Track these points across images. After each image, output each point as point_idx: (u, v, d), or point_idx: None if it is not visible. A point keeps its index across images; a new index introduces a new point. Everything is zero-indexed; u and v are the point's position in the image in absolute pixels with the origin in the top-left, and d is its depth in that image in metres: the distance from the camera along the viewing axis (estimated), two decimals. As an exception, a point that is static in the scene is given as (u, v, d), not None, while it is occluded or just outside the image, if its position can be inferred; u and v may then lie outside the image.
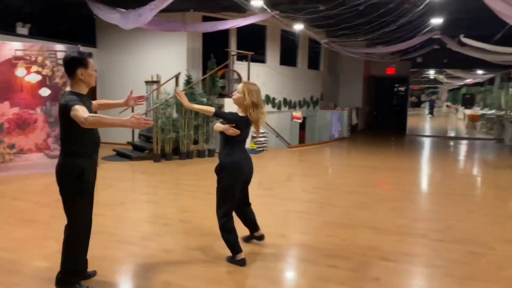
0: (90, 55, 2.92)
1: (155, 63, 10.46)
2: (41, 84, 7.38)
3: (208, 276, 3.41)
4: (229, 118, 3.53)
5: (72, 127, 2.74)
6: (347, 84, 16.98)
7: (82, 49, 7.88)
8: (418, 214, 5.46)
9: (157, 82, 10.41)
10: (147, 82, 10.43)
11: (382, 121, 20.79)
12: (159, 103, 9.17)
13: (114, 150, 9.85)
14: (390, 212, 5.41)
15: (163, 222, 4.81)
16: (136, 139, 10.20)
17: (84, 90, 2.92)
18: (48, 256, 3.75)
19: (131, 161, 8.97)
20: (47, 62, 7.42)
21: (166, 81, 9.98)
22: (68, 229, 2.98)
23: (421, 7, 6.70)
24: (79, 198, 2.93)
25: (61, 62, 7.51)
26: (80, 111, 2.64)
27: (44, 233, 4.40)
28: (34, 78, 7.31)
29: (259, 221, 4.29)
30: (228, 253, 3.66)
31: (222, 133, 3.54)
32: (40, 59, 7.31)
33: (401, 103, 20.95)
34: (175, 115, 9.43)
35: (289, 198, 6.14)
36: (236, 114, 3.57)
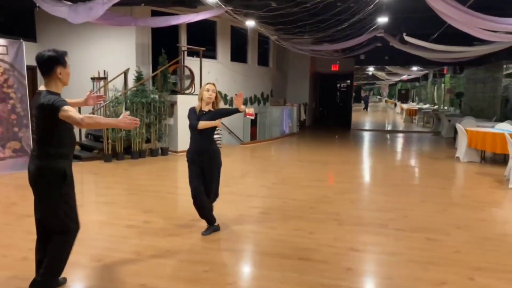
0: (66, 53, 2.86)
1: (102, 59, 10.02)
2: (-21, 80, 6.81)
3: (184, 276, 3.35)
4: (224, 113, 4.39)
5: (53, 128, 2.67)
6: (294, 81, 17.33)
7: (8, 42, 7.35)
8: (375, 205, 5.72)
9: (104, 78, 10.00)
10: (93, 79, 9.99)
11: (328, 117, 21.47)
12: (109, 100, 8.81)
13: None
14: (350, 204, 5.62)
15: (127, 224, 4.65)
16: (84, 138, 9.73)
17: (60, 90, 2.82)
18: (9, 265, 3.49)
19: (81, 161, 8.55)
20: (-15, 57, 6.86)
21: (114, 78, 9.63)
22: (59, 236, 2.85)
23: (371, 6, 6.98)
24: (66, 202, 2.82)
25: (2, 58, 7.04)
26: (72, 112, 2.60)
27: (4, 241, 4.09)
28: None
29: (225, 218, 4.28)
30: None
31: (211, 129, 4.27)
32: (-23, 53, 6.75)
33: (345, 99, 21.77)
34: (125, 112, 9.09)
35: (249, 194, 6.18)
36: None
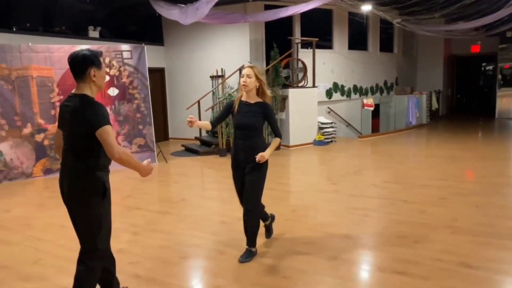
0: (101, 53, 2.58)
1: (220, 57, 10.42)
2: (109, 84, 7.64)
3: (257, 281, 3.17)
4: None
5: (92, 138, 2.39)
6: (425, 66, 15.70)
7: (149, 47, 8.05)
8: (508, 211, 4.73)
9: (221, 76, 10.39)
10: (212, 77, 10.46)
11: (467, 105, 19.01)
12: (223, 97, 9.11)
13: (182, 145, 10.01)
14: (473, 209, 4.75)
15: (221, 220, 4.67)
16: (204, 133, 10.28)
17: (95, 94, 2.54)
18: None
19: (198, 155, 9.04)
20: (114, 62, 7.66)
21: (230, 75, 9.91)
22: (90, 258, 2.56)
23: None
24: (103, 220, 2.56)
25: (127, 62, 7.76)
26: (113, 137, 2.38)
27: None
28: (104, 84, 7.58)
29: (321, 220, 3.93)
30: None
31: (255, 130, 3.50)
32: (107, 60, 7.56)
33: (489, 84, 18.96)
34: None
35: (353, 193, 5.68)
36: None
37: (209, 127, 3.56)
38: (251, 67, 3.41)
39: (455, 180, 6.26)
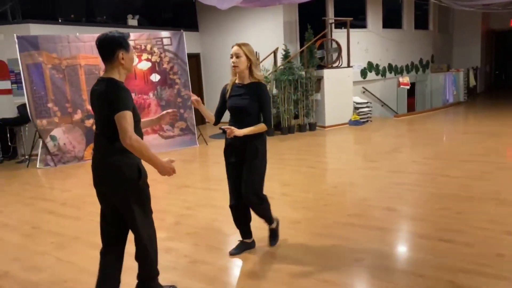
0: (128, 36, 2.47)
1: (254, 40, 10.35)
2: (151, 70, 7.96)
3: (313, 248, 3.38)
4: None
5: None
6: (462, 43, 15.27)
7: (184, 34, 8.28)
8: (553, 183, 4.73)
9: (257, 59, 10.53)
10: (247, 60, 10.60)
11: (507, 81, 18.37)
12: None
13: (220, 128, 10.25)
14: (517, 182, 4.78)
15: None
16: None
17: (123, 78, 2.44)
18: (164, 227, 4.06)
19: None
20: (155, 49, 7.95)
21: (265, 58, 10.03)
22: (139, 244, 2.53)
23: None
24: (142, 204, 2.50)
25: (167, 48, 8.03)
26: (129, 123, 2.27)
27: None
28: (145, 65, 7.91)
29: (364, 195, 4.06)
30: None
31: (249, 114, 3.11)
32: (149, 47, 7.86)
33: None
34: (274, 91, 9.47)
35: (396, 170, 5.78)
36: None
37: (213, 120, 3.27)
38: (239, 45, 3.03)
39: (497, 155, 6.23)
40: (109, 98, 2.29)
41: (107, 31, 2.42)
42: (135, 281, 2.70)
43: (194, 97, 3.16)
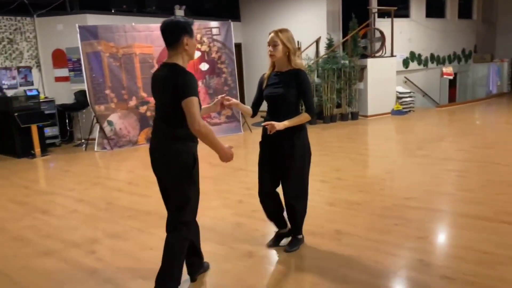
0: (193, 22, 2.46)
1: (296, 30, 10.40)
2: (201, 59, 8.24)
3: (376, 227, 3.57)
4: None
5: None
6: (506, 32, 14.85)
7: (220, 23, 8.48)
8: None
9: (298, 48, 10.67)
10: (288, 50, 10.76)
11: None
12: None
13: (262, 117, 10.48)
14: None
15: (320, 179, 5.10)
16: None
17: (186, 63, 2.45)
18: (230, 205, 4.32)
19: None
20: (204, 39, 8.22)
21: (307, 47, 10.15)
22: (177, 228, 2.50)
23: None
24: (192, 192, 2.50)
25: (216, 38, 8.28)
26: (197, 108, 2.30)
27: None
28: (195, 54, 8.18)
29: (417, 180, 4.16)
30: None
31: (286, 104, 2.95)
32: (198, 36, 8.12)
33: None
34: (317, 80, 9.60)
35: (445, 157, 5.86)
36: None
37: (250, 112, 3.14)
38: (276, 32, 2.88)
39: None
40: (177, 83, 2.29)
41: (171, 17, 2.43)
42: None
43: (223, 99, 2.92)
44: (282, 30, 2.90)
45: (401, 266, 2.92)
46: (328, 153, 6.57)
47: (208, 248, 3.04)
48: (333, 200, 4.32)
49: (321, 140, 7.65)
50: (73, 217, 4.28)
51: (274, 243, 3.28)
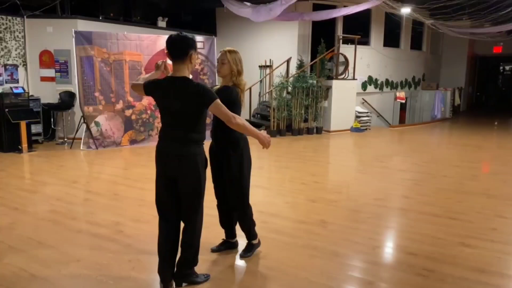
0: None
1: (268, 49, 11.56)
2: (185, 69, 8.86)
3: (350, 217, 4.41)
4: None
5: (199, 114, 2.65)
6: (449, 64, 16.74)
7: (204, 38, 9.20)
8: (529, 186, 5.93)
9: (269, 66, 11.58)
10: (260, 67, 11.64)
11: (486, 102, 20.03)
12: (276, 85, 10.30)
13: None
14: (501, 183, 5.96)
15: (301, 182, 5.91)
16: (251, 117, 11.49)
17: (190, 75, 2.70)
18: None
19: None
20: (190, 51, 8.87)
21: (279, 66, 11.08)
22: (193, 228, 2.82)
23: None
24: (203, 192, 2.80)
25: (200, 51, 8.96)
26: (226, 108, 2.62)
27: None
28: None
29: (381, 186, 5.07)
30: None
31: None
32: (184, 49, 8.76)
33: (508, 83, 19.93)
34: (288, 96, 10.52)
35: (401, 169, 6.91)
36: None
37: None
38: (225, 51, 3.10)
39: (481, 162, 7.44)
40: (200, 92, 2.56)
41: (177, 32, 2.65)
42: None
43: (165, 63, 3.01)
44: (231, 51, 3.11)
45: (376, 246, 3.76)
46: (303, 161, 7.42)
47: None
48: (314, 198, 5.13)
49: (295, 150, 8.51)
50: (89, 204, 4.78)
51: (219, 248, 3.48)
